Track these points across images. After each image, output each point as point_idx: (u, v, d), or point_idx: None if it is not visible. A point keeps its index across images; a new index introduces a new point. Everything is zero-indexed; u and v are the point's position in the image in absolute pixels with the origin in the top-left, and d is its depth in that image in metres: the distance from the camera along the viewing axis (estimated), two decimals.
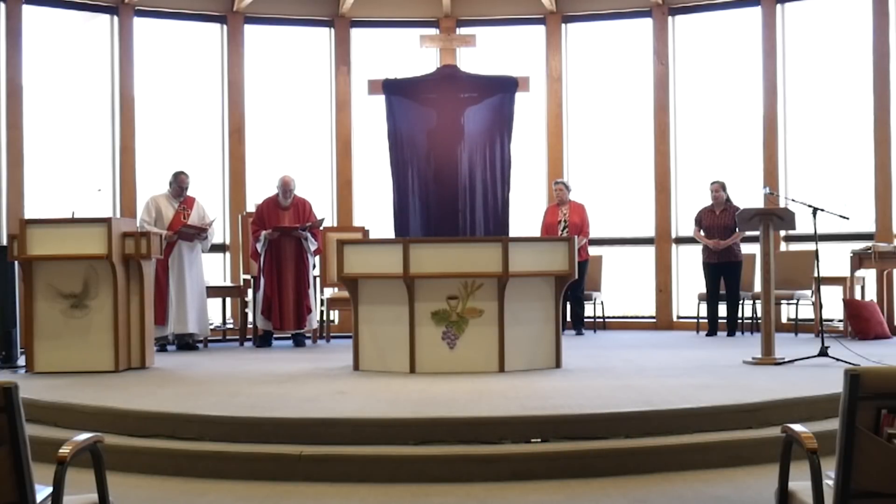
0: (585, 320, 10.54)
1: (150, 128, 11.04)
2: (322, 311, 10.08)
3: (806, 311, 10.03)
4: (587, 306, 10.65)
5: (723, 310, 9.96)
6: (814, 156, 10.72)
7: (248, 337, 9.80)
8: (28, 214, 9.83)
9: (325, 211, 10.67)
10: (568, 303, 10.20)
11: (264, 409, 5.34)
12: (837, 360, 6.99)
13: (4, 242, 8.78)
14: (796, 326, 9.87)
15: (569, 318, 10.30)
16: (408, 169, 11.12)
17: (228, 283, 10.65)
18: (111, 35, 10.82)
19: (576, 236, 8.46)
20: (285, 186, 9.58)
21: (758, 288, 8.33)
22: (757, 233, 7.56)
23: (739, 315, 10.05)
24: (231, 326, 10.51)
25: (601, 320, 11.00)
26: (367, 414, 5.20)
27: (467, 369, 6.92)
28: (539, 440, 4.90)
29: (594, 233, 10.54)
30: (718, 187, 9.99)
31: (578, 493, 4.44)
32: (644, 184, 11.31)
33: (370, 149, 11.48)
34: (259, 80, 11.44)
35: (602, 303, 10.96)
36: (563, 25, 11.55)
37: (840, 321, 9.79)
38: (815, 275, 7.70)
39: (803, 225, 7.57)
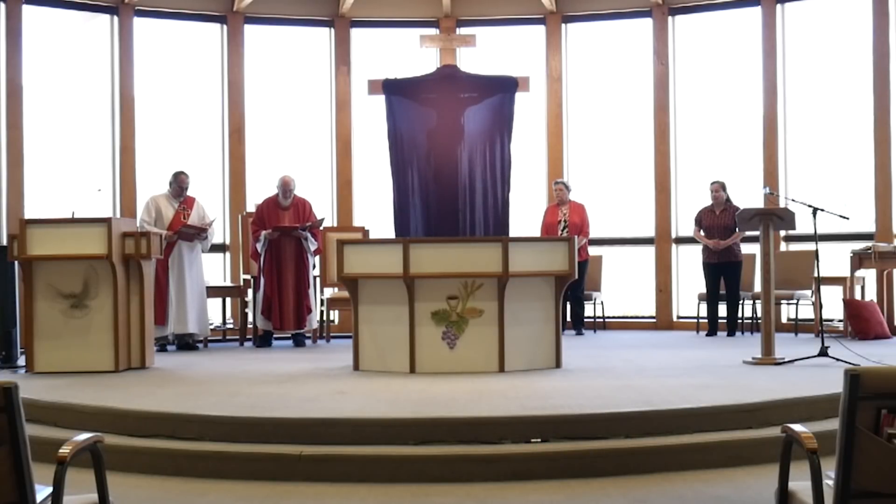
0: (585, 320, 10.54)
1: (150, 128, 11.04)
2: (322, 311, 10.08)
3: (806, 311, 10.04)
4: (587, 306, 10.66)
5: (723, 310, 9.95)
6: (814, 156, 10.72)
7: (248, 337, 9.80)
8: (28, 214, 9.82)
9: (325, 211, 10.67)
10: (568, 303, 10.20)
11: (264, 409, 5.34)
12: (837, 360, 6.99)
13: (4, 242, 8.78)
14: (796, 326, 9.87)
15: (569, 318, 10.30)
16: (408, 169, 11.12)
17: (228, 283, 10.65)
18: (111, 35, 10.82)
19: (576, 236, 8.46)
20: (285, 186, 9.58)
21: (758, 288, 8.33)
22: (757, 233, 7.56)
23: (739, 315, 10.05)
24: (231, 326, 10.51)
25: (601, 320, 11.00)
26: (367, 414, 5.20)
27: (467, 369, 6.92)
28: (539, 440, 4.90)
29: (594, 233, 10.54)
30: (718, 187, 9.99)
31: (578, 493, 4.44)
32: (644, 184, 11.31)
33: (370, 149, 11.48)
34: (259, 80, 11.44)
35: (602, 303, 10.96)
36: (563, 25, 11.55)
37: (840, 321, 9.79)
38: (815, 275, 7.69)
39: (803, 225, 7.57)
